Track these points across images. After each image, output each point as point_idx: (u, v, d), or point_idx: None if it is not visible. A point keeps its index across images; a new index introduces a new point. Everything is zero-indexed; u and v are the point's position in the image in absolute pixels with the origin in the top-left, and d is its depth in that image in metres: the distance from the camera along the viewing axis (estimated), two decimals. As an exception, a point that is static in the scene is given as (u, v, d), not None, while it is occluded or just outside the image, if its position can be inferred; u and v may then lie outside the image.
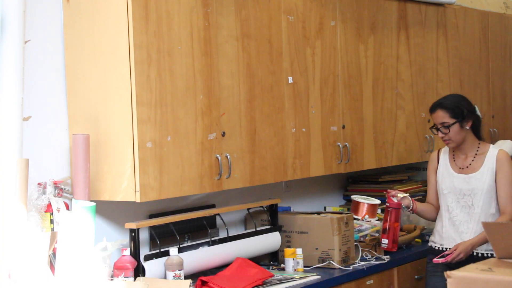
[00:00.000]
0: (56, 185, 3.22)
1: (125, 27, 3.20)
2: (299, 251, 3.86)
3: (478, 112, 3.95)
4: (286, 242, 4.06)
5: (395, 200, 3.92)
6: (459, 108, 3.84)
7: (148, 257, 3.43)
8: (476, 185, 3.88)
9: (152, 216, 3.69)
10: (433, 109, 3.89)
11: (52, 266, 2.98)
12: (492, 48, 5.58)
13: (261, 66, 3.74)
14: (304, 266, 3.88)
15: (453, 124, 3.83)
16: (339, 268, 3.89)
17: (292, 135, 3.90)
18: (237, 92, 3.62)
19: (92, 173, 3.26)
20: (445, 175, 3.96)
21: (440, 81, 5.01)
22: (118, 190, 3.25)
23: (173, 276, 3.37)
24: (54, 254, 2.98)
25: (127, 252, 3.30)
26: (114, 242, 3.03)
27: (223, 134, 3.53)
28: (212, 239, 3.73)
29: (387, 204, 3.95)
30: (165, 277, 3.41)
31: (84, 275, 2.84)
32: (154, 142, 3.23)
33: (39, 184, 3.20)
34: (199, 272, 3.63)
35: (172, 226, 3.60)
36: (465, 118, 3.85)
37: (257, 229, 3.99)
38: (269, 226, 4.06)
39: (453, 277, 2.31)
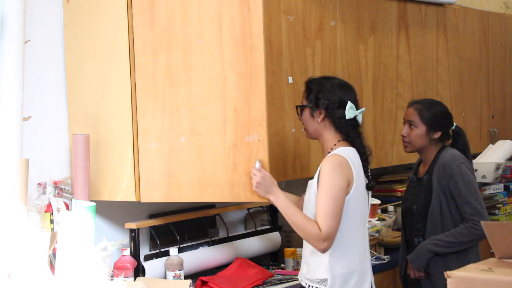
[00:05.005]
0: (56, 185, 3.22)
1: (125, 27, 3.20)
2: (299, 251, 3.85)
3: (350, 112, 3.10)
4: (286, 242, 4.06)
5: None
6: (321, 92, 3.10)
7: (148, 257, 3.43)
8: (305, 200, 3.16)
9: (152, 216, 3.69)
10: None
11: (52, 266, 2.98)
12: (492, 48, 5.58)
13: (261, 66, 3.74)
14: (304, 266, 3.87)
15: (304, 106, 3.15)
16: (339, 268, 3.88)
17: (292, 135, 3.90)
18: (237, 92, 3.61)
19: (92, 173, 3.26)
20: None
21: (440, 81, 5.01)
22: (118, 190, 3.25)
23: (173, 276, 3.37)
24: (54, 254, 2.98)
25: (127, 252, 3.31)
26: (114, 242, 3.03)
27: (223, 134, 3.52)
28: (212, 239, 3.74)
29: None
30: (165, 277, 3.41)
31: (84, 275, 2.84)
32: (154, 142, 3.23)
33: (39, 184, 3.20)
34: (199, 272, 3.63)
35: (172, 226, 3.60)
36: (318, 107, 3.10)
37: (257, 229, 4.00)
38: (269, 226, 4.06)
39: (453, 277, 2.31)
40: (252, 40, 3.05)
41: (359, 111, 3.13)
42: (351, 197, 3.04)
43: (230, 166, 3.08)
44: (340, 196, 2.98)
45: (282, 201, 2.98)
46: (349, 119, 3.10)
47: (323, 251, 2.98)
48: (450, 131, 3.76)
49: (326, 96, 3.09)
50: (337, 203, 2.97)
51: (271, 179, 3.00)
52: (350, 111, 3.10)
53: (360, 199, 3.10)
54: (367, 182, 3.14)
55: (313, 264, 3.09)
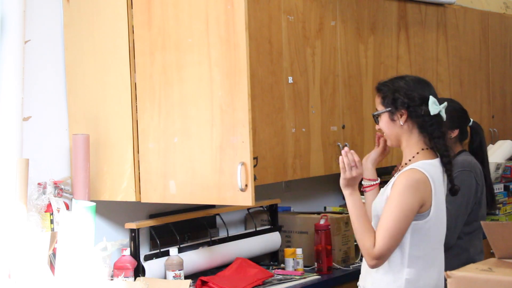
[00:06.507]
0: (56, 185, 3.22)
1: (125, 27, 3.20)
2: (299, 251, 3.86)
3: (434, 108, 2.81)
4: (286, 242, 4.06)
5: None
6: (397, 92, 2.82)
7: (148, 257, 3.43)
8: (373, 210, 2.88)
9: (152, 216, 3.69)
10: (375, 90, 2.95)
11: (52, 266, 2.98)
12: (492, 48, 5.58)
13: (261, 66, 3.74)
14: (304, 266, 3.88)
15: (382, 113, 2.86)
16: (339, 268, 3.89)
17: (292, 135, 3.90)
18: (237, 92, 3.61)
19: (92, 173, 3.26)
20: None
21: (440, 81, 5.01)
22: (118, 190, 3.25)
23: (173, 276, 3.37)
24: (54, 254, 2.98)
25: (127, 252, 3.31)
26: (114, 242, 3.03)
27: (223, 134, 3.52)
28: (212, 239, 3.74)
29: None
30: (165, 277, 3.41)
31: (84, 275, 2.84)
32: (154, 143, 3.23)
33: (39, 184, 3.20)
34: (199, 272, 3.63)
35: (172, 226, 3.60)
36: (398, 109, 2.82)
37: (257, 229, 4.00)
38: (269, 226, 4.06)
39: (453, 277, 2.31)
40: (235, 38, 3.00)
41: (442, 105, 2.83)
42: (431, 218, 2.77)
43: (217, 168, 3.04)
44: (407, 218, 2.71)
45: (355, 198, 2.76)
46: (434, 116, 2.80)
47: (372, 267, 2.76)
48: (468, 128, 3.65)
49: (404, 95, 2.80)
50: (401, 225, 2.71)
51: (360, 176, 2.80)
52: (433, 106, 2.80)
53: (440, 217, 2.83)
54: (450, 187, 2.87)
55: (384, 281, 2.80)
